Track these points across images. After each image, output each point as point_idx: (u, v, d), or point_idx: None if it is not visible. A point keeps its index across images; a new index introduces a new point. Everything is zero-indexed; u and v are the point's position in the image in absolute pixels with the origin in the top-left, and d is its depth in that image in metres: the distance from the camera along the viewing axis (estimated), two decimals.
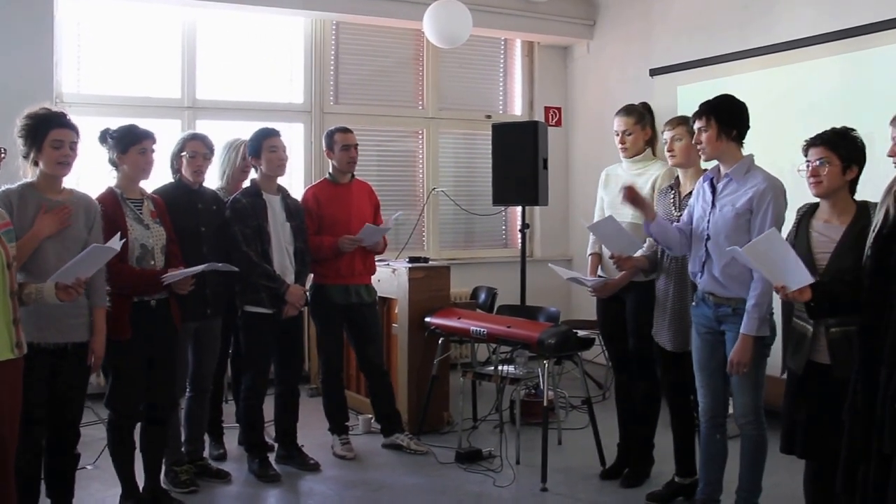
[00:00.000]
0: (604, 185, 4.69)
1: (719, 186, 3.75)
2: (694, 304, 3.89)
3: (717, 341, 3.78)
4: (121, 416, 3.94)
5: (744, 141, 3.75)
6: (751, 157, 3.75)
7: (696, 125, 3.75)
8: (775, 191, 3.61)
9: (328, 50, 7.33)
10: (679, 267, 4.07)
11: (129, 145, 3.92)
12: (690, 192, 4.05)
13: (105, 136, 3.97)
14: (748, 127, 3.75)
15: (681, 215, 4.05)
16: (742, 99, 3.80)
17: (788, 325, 3.34)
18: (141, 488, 4.07)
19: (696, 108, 3.78)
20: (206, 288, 4.30)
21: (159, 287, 3.91)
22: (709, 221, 3.74)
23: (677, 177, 4.23)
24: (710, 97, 3.81)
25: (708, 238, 3.73)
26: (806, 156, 3.29)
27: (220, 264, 4.17)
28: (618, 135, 4.54)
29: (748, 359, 3.59)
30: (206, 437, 4.84)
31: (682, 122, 4.13)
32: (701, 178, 3.90)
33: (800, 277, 3.02)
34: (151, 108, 6.54)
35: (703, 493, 3.94)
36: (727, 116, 3.69)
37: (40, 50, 6.01)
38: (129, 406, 3.93)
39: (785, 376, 3.41)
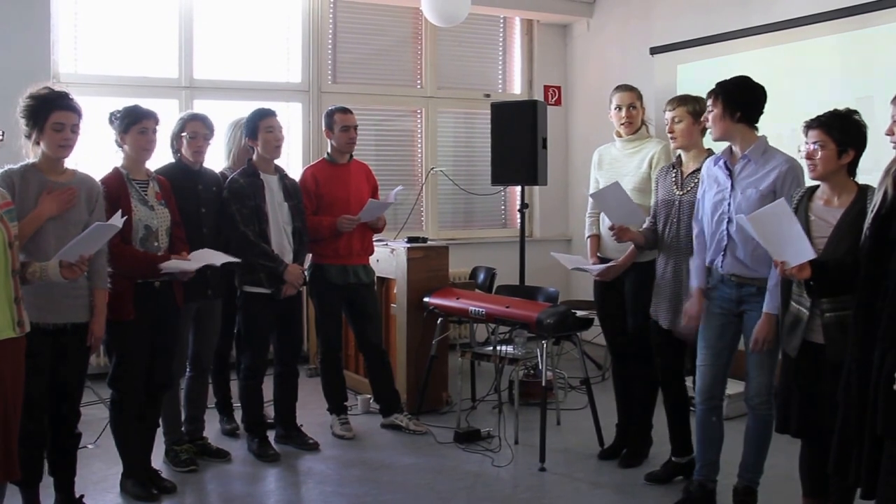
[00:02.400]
0: (597, 166, 4.68)
1: (736, 168, 3.70)
2: (709, 285, 3.85)
3: (730, 322, 3.77)
4: (124, 396, 3.95)
5: (756, 124, 3.72)
6: (765, 138, 3.72)
7: (708, 103, 3.75)
8: (797, 171, 3.58)
9: (326, 29, 7.28)
10: (677, 245, 4.05)
11: (129, 125, 3.92)
12: (693, 171, 4.05)
13: (112, 118, 3.98)
14: (760, 110, 3.71)
15: (683, 194, 4.04)
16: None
17: (786, 308, 3.35)
18: None
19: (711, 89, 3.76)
20: (206, 268, 4.29)
21: (159, 271, 3.92)
22: (729, 204, 3.69)
23: (679, 156, 4.21)
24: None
25: (729, 221, 3.68)
26: (805, 137, 3.28)
27: (220, 258, 4.16)
28: (620, 109, 4.52)
29: (772, 336, 3.57)
30: (217, 414, 4.97)
31: (682, 102, 4.10)
32: (709, 162, 3.86)
33: (802, 252, 3.03)
34: (149, 87, 6.51)
35: (700, 473, 3.95)
36: (733, 97, 3.66)
37: (37, 30, 5.97)
38: (133, 386, 3.94)
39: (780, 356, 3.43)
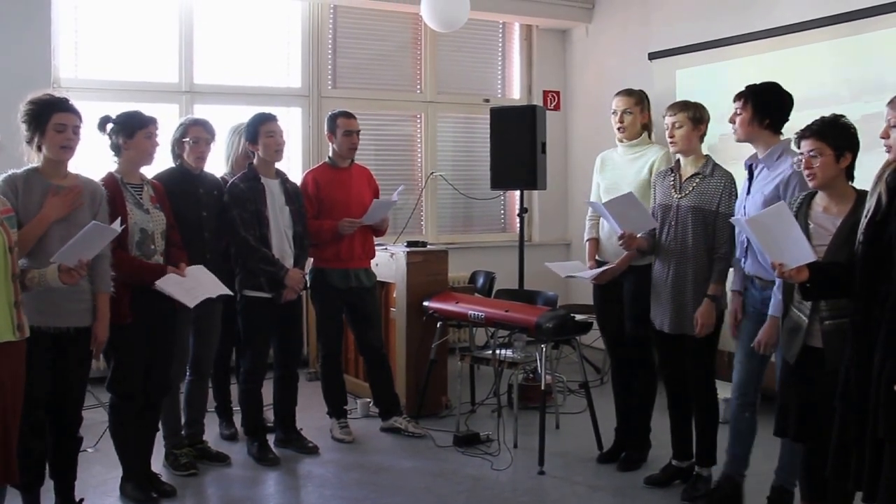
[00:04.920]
0: (599, 170, 4.69)
1: (756, 172, 3.78)
2: (736, 288, 3.90)
3: (762, 323, 3.76)
4: (122, 399, 3.96)
5: (781, 130, 3.77)
6: (786, 141, 3.74)
7: (735, 105, 3.79)
8: (800, 177, 3.58)
9: (326, 34, 7.30)
10: (678, 248, 4.07)
11: (136, 129, 3.93)
12: (691, 175, 4.07)
13: (104, 124, 3.96)
14: (786, 118, 3.77)
15: (681, 197, 4.06)
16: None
17: (786, 314, 3.36)
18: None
19: (740, 91, 3.81)
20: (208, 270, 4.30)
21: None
22: (744, 207, 3.77)
23: (678, 160, 4.23)
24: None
25: None
26: (798, 147, 3.31)
27: (214, 287, 4.11)
28: (616, 114, 4.54)
29: (774, 340, 3.59)
30: (217, 418, 5.00)
31: (683, 108, 4.12)
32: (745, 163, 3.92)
33: (801, 254, 3.03)
34: (149, 92, 6.52)
35: (730, 468, 3.95)
36: (764, 103, 3.71)
37: (38, 35, 5.99)
38: (131, 389, 3.95)
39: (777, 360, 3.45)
